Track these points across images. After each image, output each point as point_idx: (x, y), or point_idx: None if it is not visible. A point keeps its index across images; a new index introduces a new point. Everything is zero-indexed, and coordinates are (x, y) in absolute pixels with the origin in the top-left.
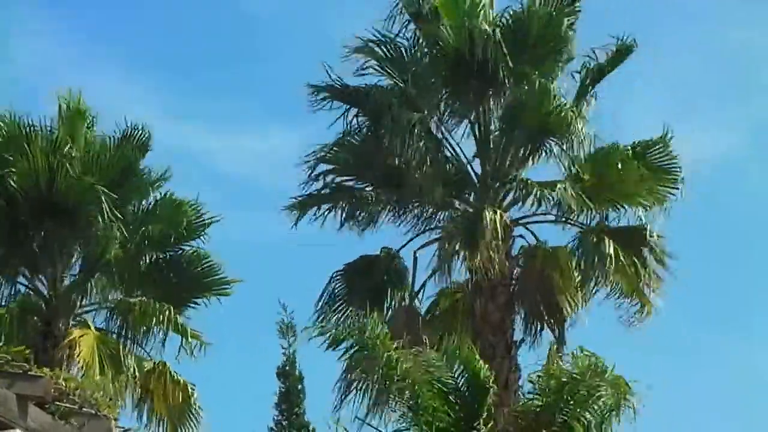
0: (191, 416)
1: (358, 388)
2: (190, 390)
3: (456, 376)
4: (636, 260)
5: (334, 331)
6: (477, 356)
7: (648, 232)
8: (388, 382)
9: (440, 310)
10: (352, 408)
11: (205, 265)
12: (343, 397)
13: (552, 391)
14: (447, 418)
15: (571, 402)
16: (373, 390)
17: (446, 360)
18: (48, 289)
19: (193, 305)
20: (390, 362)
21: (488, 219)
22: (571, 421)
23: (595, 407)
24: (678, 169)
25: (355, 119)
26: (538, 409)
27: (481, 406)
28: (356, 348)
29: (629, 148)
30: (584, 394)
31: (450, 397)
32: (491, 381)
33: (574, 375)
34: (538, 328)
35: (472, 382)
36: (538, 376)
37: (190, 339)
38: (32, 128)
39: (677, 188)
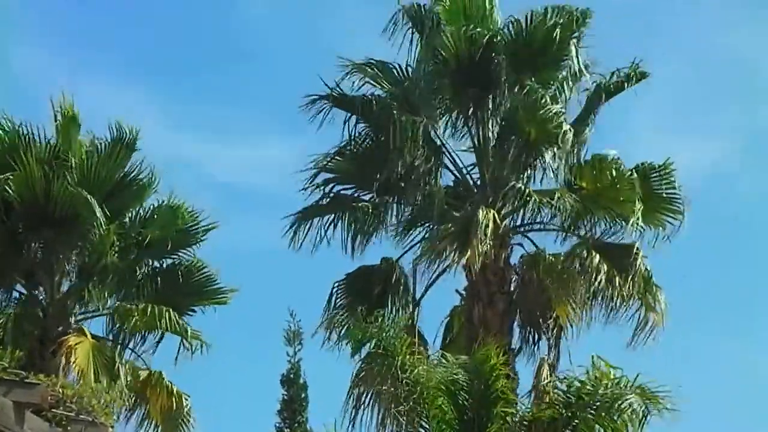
0: (183, 426)
1: (368, 402)
2: (184, 400)
3: (470, 381)
4: (625, 276)
5: (358, 333)
6: (497, 363)
7: (637, 253)
8: (398, 387)
9: (456, 330)
10: (362, 417)
11: (202, 275)
12: (355, 407)
13: (568, 402)
14: (455, 423)
15: (590, 412)
16: (384, 397)
17: (460, 366)
18: (45, 296)
19: (190, 314)
20: (403, 365)
21: (481, 216)
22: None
23: (613, 417)
24: (679, 200)
25: (355, 127)
26: (550, 419)
27: (491, 414)
28: (374, 348)
29: (631, 169)
30: (605, 405)
31: (459, 401)
32: (504, 387)
33: (591, 385)
34: (535, 338)
35: (485, 388)
36: (553, 386)
37: (190, 339)
38: (29, 136)
39: (677, 219)
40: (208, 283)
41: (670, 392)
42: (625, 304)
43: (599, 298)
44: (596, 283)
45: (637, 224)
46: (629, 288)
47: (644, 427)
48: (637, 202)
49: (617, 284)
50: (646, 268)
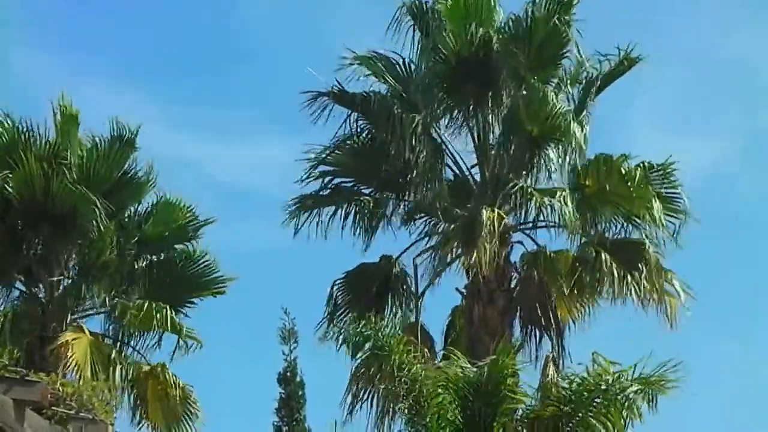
0: (189, 417)
1: (366, 398)
2: (188, 391)
3: (480, 378)
4: (634, 273)
5: (354, 337)
6: (507, 361)
7: (647, 247)
8: (396, 385)
9: (458, 329)
10: (360, 416)
11: (200, 265)
12: (352, 406)
13: (570, 399)
14: (457, 421)
15: (592, 408)
16: (381, 395)
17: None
18: (44, 294)
19: (189, 305)
20: (400, 364)
21: (485, 217)
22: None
23: (614, 411)
24: (680, 200)
25: (355, 123)
26: (552, 416)
27: (497, 412)
28: (370, 349)
29: (634, 166)
30: (607, 400)
31: (465, 397)
32: (512, 384)
33: (592, 380)
34: (537, 336)
35: (494, 386)
36: (555, 383)
37: (185, 338)
38: (29, 134)
39: (678, 218)
40: (207, 273)
41: (674, 377)
42: (640, 297)
43: (610, 294)
44: (607, 280)
45: (660, 221)
46: (643, 282)
47: (655, 408)
48: (653, 199)
49: (629, 280)
50: (656, 259)
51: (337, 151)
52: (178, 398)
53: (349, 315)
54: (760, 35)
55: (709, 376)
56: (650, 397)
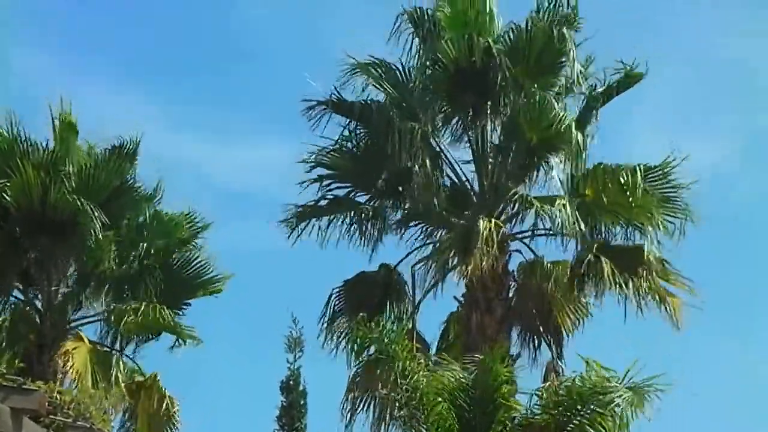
0: (170, 429)
1: (364, 406)
2: (174, 404)
3: (474, 386)
4: (635, 277)
5: (359, 338)
6: (502, 369)
7: (647, 253)
8: (397, 392)
9: (453, 336)
10: (358, 421)
11: (196, 266)
12: (351, 411)
13: (562, 405)
14: (456, 428)
15: (584, 415)
16: (378, 401)
17: (464, 369)
18: (42, 301)
19: (186, 306)
20: (404, 371)
21: (482, 227)
22: None
23: (609, 418)
24: (680, 200)
25: (354, 132)
26: (544, 423)
27: (493, 420)
28: (374, 354)
29: (632, 169)
30: (597, 408)
31: (461, 405)
32: (507, 393)
33: (586, 387)
34: (536, 344)
35: (489, 394)
36: (547, 390)
37: (184, 338)
38: (27, 142)
39: (679, 218)
40: (203, 273)
41: (666, 385)
42: (641, 301)
43: (611, 299)
44: (607, 285)
45: (661, 227)
46: (644, 286)
47: (635, 416)
48: (654, 208)
49: (630, 284)
50: (657, 262)
51: (334, 154)
52: (162, 409)
53: (347, 323)
54: (760, 35)
55: (709, 376)
56: (636, 403)
